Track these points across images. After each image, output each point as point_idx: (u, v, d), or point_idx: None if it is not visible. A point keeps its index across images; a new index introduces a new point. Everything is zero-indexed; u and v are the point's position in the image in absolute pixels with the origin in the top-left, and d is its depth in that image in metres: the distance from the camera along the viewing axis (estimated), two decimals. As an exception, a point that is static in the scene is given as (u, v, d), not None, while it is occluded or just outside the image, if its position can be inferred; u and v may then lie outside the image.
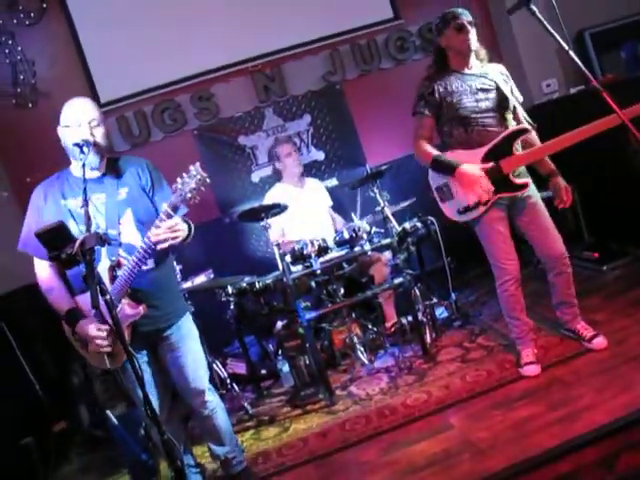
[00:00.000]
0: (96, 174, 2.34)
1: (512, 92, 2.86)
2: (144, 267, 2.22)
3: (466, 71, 2.84)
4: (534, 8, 2.26)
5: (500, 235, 2.86)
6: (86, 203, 2.03)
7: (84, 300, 2.22)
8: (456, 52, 2.83)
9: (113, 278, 2.20)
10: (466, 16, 2.79)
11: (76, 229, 2.20)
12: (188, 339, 2.48)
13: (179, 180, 2.13)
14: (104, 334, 2.15)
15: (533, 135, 2.86)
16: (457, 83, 2.81)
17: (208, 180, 2.14)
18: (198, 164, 2.15)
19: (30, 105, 4.47)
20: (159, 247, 2.17)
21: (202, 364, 2.54)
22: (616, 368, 2.70)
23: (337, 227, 4.17)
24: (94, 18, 4.46)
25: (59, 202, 2.30)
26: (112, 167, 2.40)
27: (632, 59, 4.22)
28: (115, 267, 2.20)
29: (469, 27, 2.77)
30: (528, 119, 2.84)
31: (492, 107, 2.79)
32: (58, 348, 3.87)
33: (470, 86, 2.80)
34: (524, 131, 2.77)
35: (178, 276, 3.59)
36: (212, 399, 2.54)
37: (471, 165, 2.77)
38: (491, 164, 2.76)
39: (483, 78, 2.83)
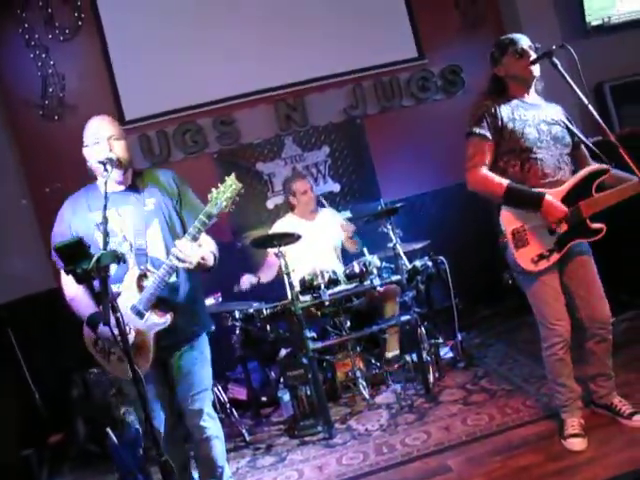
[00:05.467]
0: (122, 187, 2.41)
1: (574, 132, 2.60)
2: (170, 280, 2.27)
3: (527, 99, 2.57)
4: (556, 61, 2.31)
5: (553, 292, 2.56)
6: (105, 221, 2.07)
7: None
8: (518, 81, 2.54)
9: (141, 287, 2.26)
10: (525, 40, 2.54)
11: (102, 241, 2.26)
12: (199, 359, 2.48)
13: (214, 190, 2.19)
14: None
15: (614, 174, 2.50)
16: (519, 110, 2.52)
17: (243, 190, 2.21)
18: (234, 175, 2.22)
19: (56, 117, 4.57)
20: (180, 265, 2.21)
21: (206, 387, 2.50)
22: (619, 423, 2.66)
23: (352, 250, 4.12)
24: (126, 39, 4.60)
25: (86, 215, 2.37)
26: (138, 179, 2.46)
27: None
28: (143, 277, 2.26)
29: (530, 52, 2.49)
30: (604, 158, 2.50)
31: (553, 143, 2.52)
32: (60, 358, 3.92)
33: (533, 116, 2.52)
34: (605, 171, 2.46)
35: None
36: (210, 425, 2.48)
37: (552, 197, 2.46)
38: (572, 207, 2.47)
39: (543, 110, 2.57)
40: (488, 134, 2.50)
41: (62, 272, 2.37)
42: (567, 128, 2.58)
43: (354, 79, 4.87)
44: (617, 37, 4.76)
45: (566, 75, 2.31)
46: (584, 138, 2.57)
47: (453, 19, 5.01)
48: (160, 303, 2.30)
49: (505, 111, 2.51)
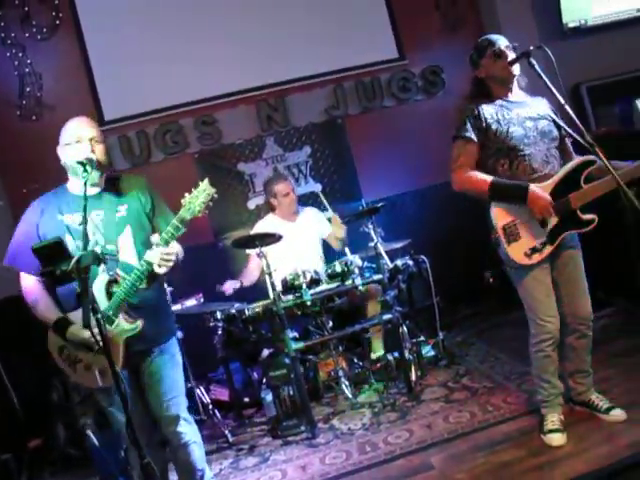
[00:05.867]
0: (95, 190, 2.37)
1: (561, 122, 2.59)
2: (140, 285, 2.24)
3: (510, 98, 2.59)
4: (533, 61, 2.34)
5: (545, 289, 2.58)
6: (85, 221, 2.05)
7: (77, 317, 2.19)
8: (498, 81, 2.57)
9: (110, 293, 2.23)
10: (503, 41, 2.56)
11: (73, 244, 2.23)
12: (169, 364, 2.44)
13: (187, 195, 2.17)
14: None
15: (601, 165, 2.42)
16: (503, 111, 2.55)
17: (216, 196, 2.19)
18: (207, 180, 2.20)
19: (34, 117, 4.52)
20: (157, 270, 2.20)
21: (180, 392, 2.46)
22: (597, 418, 2.70)
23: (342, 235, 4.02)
24: (105, 38, 4.56)
25: (56, 217, 2.32)
26: (111, 184, 2.43)
27: (626, 114, 4.33)
28: (112, 283, 2.22)
29: (508, 52, 2.52)
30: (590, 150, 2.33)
31: (540, 138, 2.55)
32: (39, 362, 3.86)
33: (518, 114, 2.55)
34: (592, 163, 2.45)
35: (168, 298, 3.61)
36: (186, 431, 2.43)
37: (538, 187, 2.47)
38: (562, 199, 2.48)
39: (528, 107, 2.59)
40: (472, 136, 2.54)
41: (22, 275, 2.33)
42: (554, 121, 2.61)
43: (335, 79, 4.89)
44: (593, 39, 4.83)
45: (543, 75, 2.33)
46: (569, 130, 2.57)
47: (433, 20, 5.06)
48: (129, 309, 2.28)
49: (488, 112, 2.54)
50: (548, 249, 2.52)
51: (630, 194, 2.00)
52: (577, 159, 2.55)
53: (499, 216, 2.53)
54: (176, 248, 2.38)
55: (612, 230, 3.71)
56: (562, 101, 2.29)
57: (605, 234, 3.80)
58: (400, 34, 4.97)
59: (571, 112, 2.30)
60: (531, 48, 2.34)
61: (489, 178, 2.51)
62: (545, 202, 2.44)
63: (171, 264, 2.21)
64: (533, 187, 2.45)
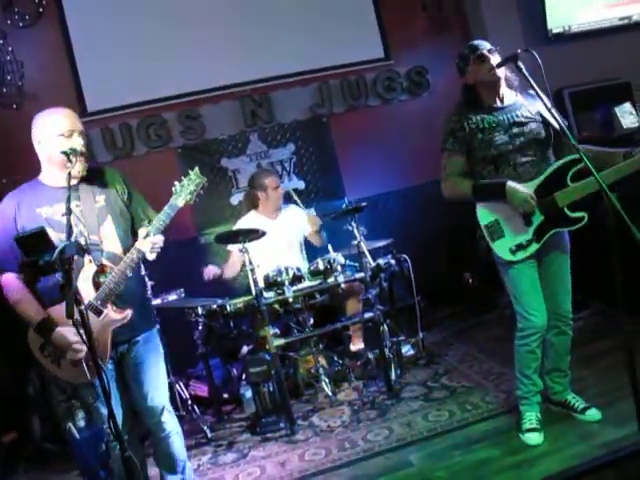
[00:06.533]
0: (72, 182, 2.31)
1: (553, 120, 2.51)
2: (129, 274, 2.24)
3: (498, 104, 2.63)
4: (521, 65, 2.36)
5: (531, 281, 2.62)
6: (69, 211, 2.03)
7: (58, 312, 2.17)
8: (486, 85, 2.61)
9: (97, 284, 2.21)
10: (485, 45, 2.60)
11: (56, 237, 2.17)
12: (153, 353, 2.45)
13: (177, 183, 2.24)
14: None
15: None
16: (489, 118, 2.59)
17: (207, 184, 2.30)
18: (197, 168, 2.30)
19: (15, 106, 4.44)
20: (148, 257, 2.24)
21: (163, 382, 2.49)
22: (573, 417, 2.75)
23: (317, 244, 4.13)
24: (89, 28, 4.50)
25: (34, 211, 2.28)
26: (86, 176, 2.39)
27: (606, 120, 4.40)
28: (99, 273, 2.21)
29: (490, 55, 2.56)
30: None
31: (528, 142, 2.58)
32: (14, 354, 3.79)
33: (503, 121, 2.58)
34: (577, 161, 2.45)
35: (149, 292, 3.59)
36: (169, 421, 2.46)
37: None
38: (547, 198, 2.53)
39: (518, 110, 2.61)
40: (456, 147, 2.63)
41: (2, 276, 2.29)
42: (543, 121, 2.63)
43: (320, 77, 4.89)
44: (577, 45, 4.89)
45: (530, 79, 2.35)
46: (558, 127, 2.48)
47: (420, 21, 5.09)
48: (116, 299, 2.26)
49: (474, 121, 2.60)
50: (534, 247, 2.57)
51: (613, 198, 2.02)
52: (561, 160, 2.57)
53: (482, 215, 2.62)
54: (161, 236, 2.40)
55: (594, 232, 3.77)
56: (549, 105, 2.32)
57: (586, 236, 3.86)
58: (386, 34, 4.99)
59: (557, 116, 2.33)
60: (519, 51, 2.36)
61: (471, 182, 2.60)
62: (523, 195, 2.48)
63: (159, 250, 2.26)
64: (511, 183, 2.50)
